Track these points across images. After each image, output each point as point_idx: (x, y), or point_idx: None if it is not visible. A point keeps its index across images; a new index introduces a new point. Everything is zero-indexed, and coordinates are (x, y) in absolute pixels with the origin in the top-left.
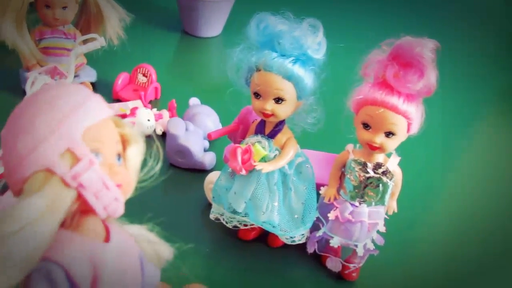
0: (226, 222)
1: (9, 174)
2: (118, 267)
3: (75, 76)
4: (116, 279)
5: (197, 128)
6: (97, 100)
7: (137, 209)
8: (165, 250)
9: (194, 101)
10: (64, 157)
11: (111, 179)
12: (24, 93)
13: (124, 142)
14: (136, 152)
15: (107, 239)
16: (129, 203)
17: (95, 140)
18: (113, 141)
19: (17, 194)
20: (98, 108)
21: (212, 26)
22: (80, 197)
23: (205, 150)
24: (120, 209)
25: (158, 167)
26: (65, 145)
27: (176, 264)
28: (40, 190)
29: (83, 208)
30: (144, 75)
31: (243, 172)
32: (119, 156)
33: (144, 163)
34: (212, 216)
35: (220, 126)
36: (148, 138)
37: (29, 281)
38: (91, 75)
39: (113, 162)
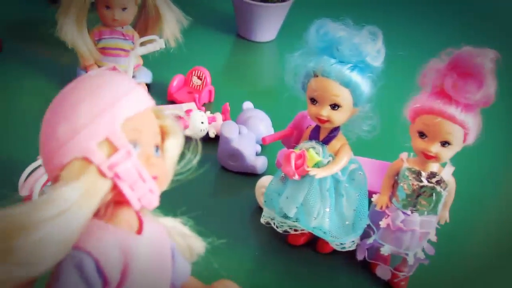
0: (277, 227)
1: (46, 160)
2: (149, 259)
3: (131, 77)
4: (146, 271)
5: (250, 132)
6: (140, 91)
7: (171, 202)
8: (198, 244)
9: (247, 105)
10: (102, 146)
11: (148, 170)
12: None
13: (163, 134)
14: (174, 144)
15: (139, 231)
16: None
17: (134, 130)
18: (152, 133)
19: (53, 181)
20: (140, 99)
21: (267, 30)
22: (115, 188)
23: (256, 154)
24: (155, 201)
25: (195, 160)
26: (103, 134)
27: (207, 259)
28: (76, 179)
29: (118, 199)
30: (199, 77)
31: (296, 177)
32: (157, 147)
33: (182, 156)
34: (263, 220)
35: (272, 131)
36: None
37: (59, 269)
38: (147, 76)
39: (151, 154)
